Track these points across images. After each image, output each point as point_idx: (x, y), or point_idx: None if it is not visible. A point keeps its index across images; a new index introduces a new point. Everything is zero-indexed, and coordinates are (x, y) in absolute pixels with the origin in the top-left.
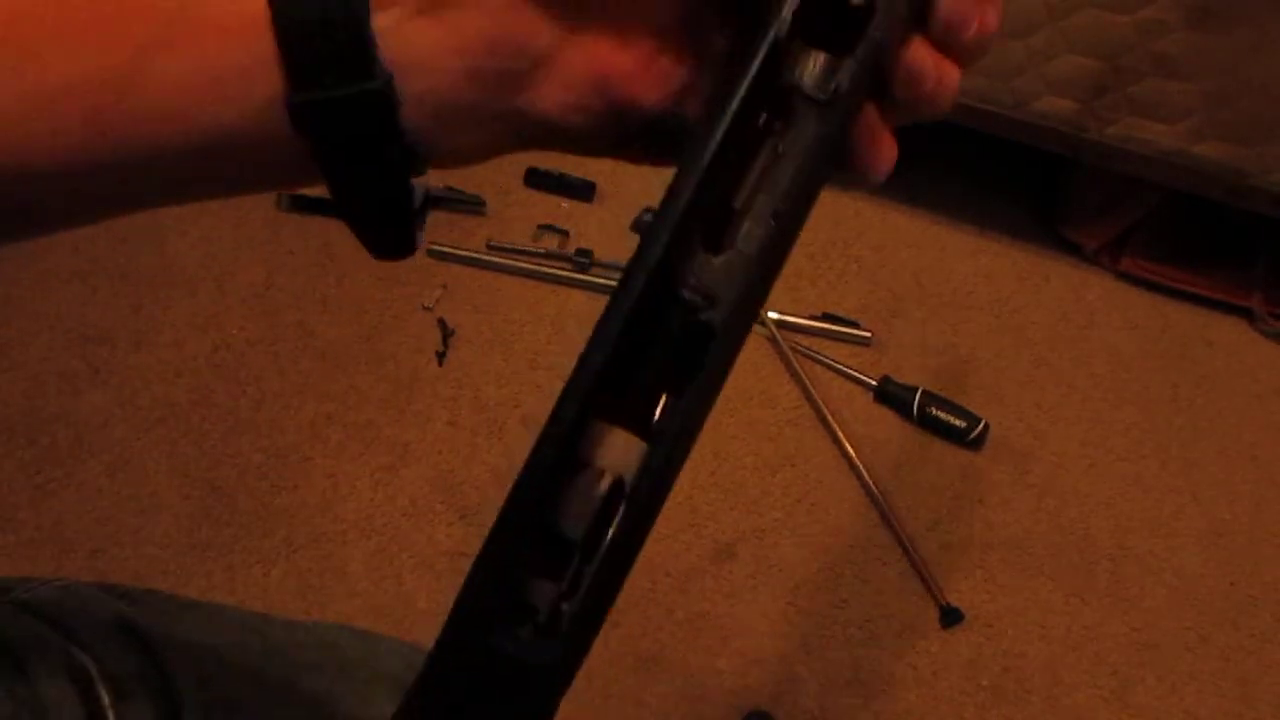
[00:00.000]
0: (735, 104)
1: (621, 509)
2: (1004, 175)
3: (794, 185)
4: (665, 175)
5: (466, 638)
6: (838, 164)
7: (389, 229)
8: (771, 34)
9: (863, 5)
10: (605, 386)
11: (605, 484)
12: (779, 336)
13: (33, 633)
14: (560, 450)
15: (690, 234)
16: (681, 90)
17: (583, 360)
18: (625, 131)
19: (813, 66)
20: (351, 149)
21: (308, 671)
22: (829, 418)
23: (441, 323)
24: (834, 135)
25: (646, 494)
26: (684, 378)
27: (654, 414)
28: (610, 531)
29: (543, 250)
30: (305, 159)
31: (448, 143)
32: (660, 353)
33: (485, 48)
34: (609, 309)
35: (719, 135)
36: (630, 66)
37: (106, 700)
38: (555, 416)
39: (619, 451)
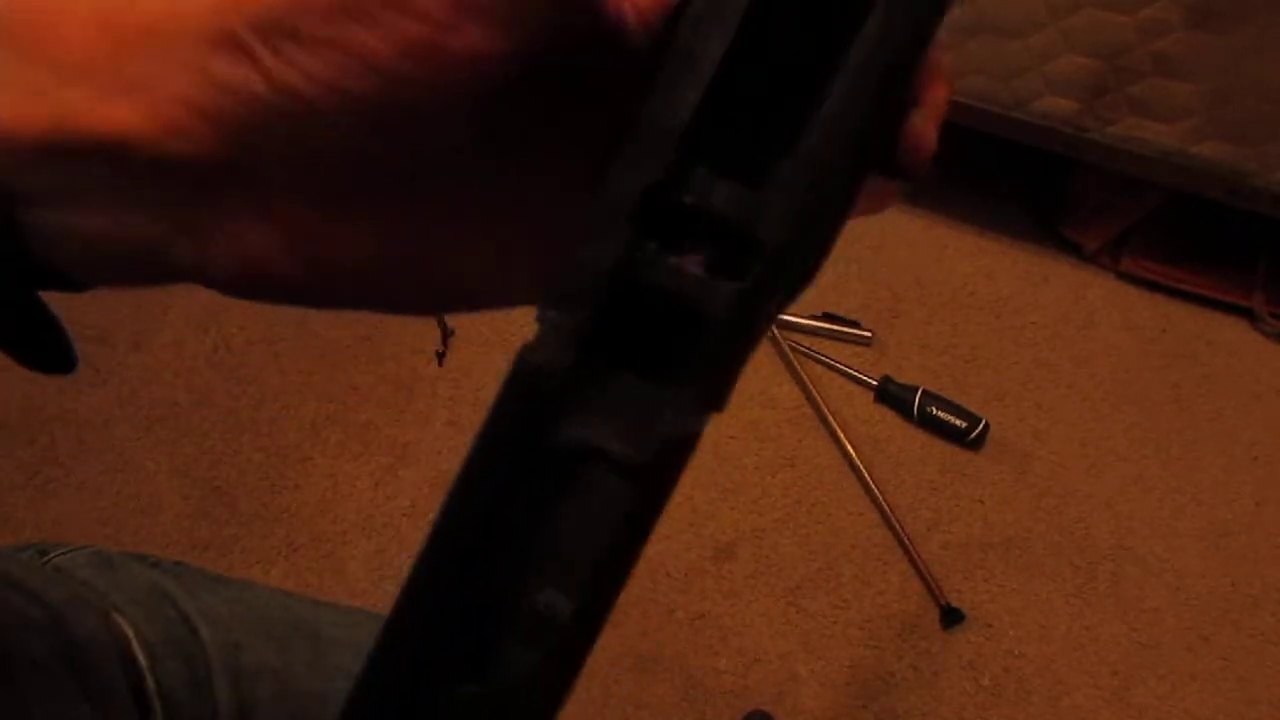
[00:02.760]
0: (477, 479)
1: None
2: (1004, 175)
3: (585, 581)
4: None
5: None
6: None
7: (35, 349)
8: (529, 375)
9: (693, 299)
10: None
11: None
12: (779, 336)
13: (73, 594)
14: None
15: (435, 655)
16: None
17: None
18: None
19: (614, 408)
20: None
21: (333, 646)
22: (829, 418)
23: (441, 323)
24: (648, 507)
25: None
26: None
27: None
28: None
29: None
30: None
31: (88, 273)
32: None
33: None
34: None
35: (459, 521)
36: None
37: (144, 663)
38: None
39: None
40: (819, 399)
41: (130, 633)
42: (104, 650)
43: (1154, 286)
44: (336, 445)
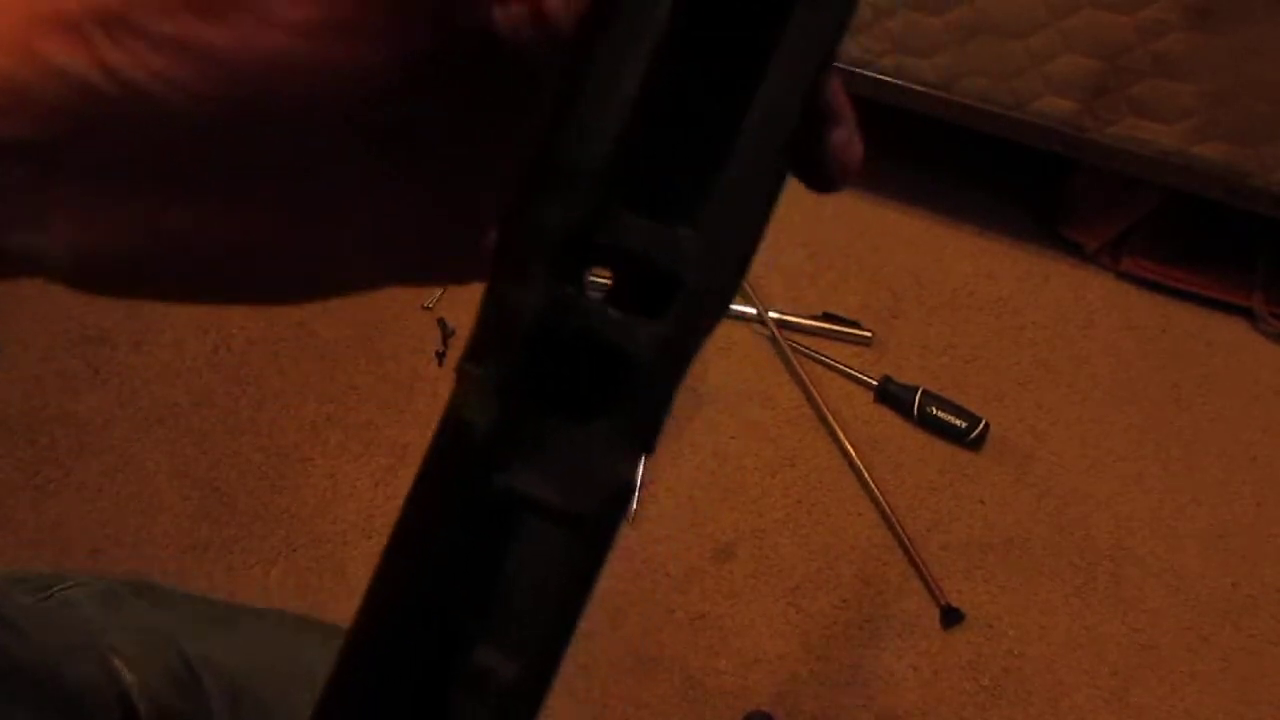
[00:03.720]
0: (412, 536)
1: None
2: (1004, 175)
3: (526, 638)
4: None
5: None
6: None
7: None
8: (456, 434)
9: (617, 343)
10: None
11: None
12: (779, 336)
13: (71, 641)
14: None
15: (380, 715)
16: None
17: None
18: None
19: (547, 456)
20: None
21: None
22: (829, 418)
23: (441, 323)
24: (587, 558)
25: None
26: None
27: None
28: None
29: None
30: None
31: None
32: None
33: None
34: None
35: (394, 580)
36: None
37: (143, 713)
38: None
39: None
40: (819, 399)
41: (130, 679)
42: (101, 698)
43: (1154, 286)
44: (336, 445)
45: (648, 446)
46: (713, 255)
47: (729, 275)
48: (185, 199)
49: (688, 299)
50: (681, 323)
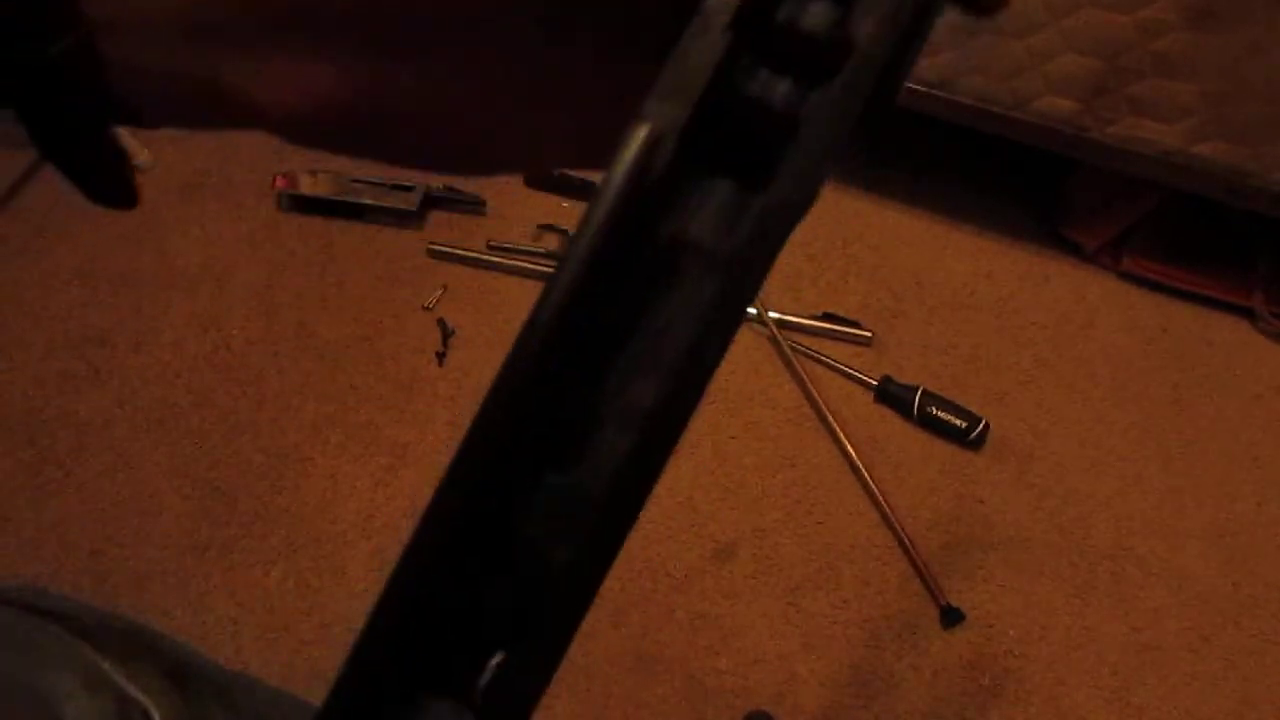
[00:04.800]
0: (579, 271)
1: None
2: (1004, 175)
3: (675, 373)
4: None
5: None
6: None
7: (100, 179)
8: (632, 169)
9: (785, 115)
10: (412, 646)
11: None
12: (779, 336)
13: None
14: None
15: (528, 447)
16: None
17: (376, 613)
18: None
19: (708, 206)
20: (38, 106)
21: None
22: (829, 418)
23: (441, 323)
24: (734, 303)
25: None
26: (522, 631)
27: (481, 675)
28: None
29: (543, 250)
30: None
31: (156, 108)
32: (490, 597)
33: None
34: (413, 541)
35: (559, 313)
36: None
37: None
38: (341, 687)
39: None
40: (819, 399)
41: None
42: None
43: (1154, 286)
44: (336, 445)
45: (805, 205)
46: (880, 29)
47: (892, 59)
48: (394, 51)
49: (855, 67)
50: (848, 87)
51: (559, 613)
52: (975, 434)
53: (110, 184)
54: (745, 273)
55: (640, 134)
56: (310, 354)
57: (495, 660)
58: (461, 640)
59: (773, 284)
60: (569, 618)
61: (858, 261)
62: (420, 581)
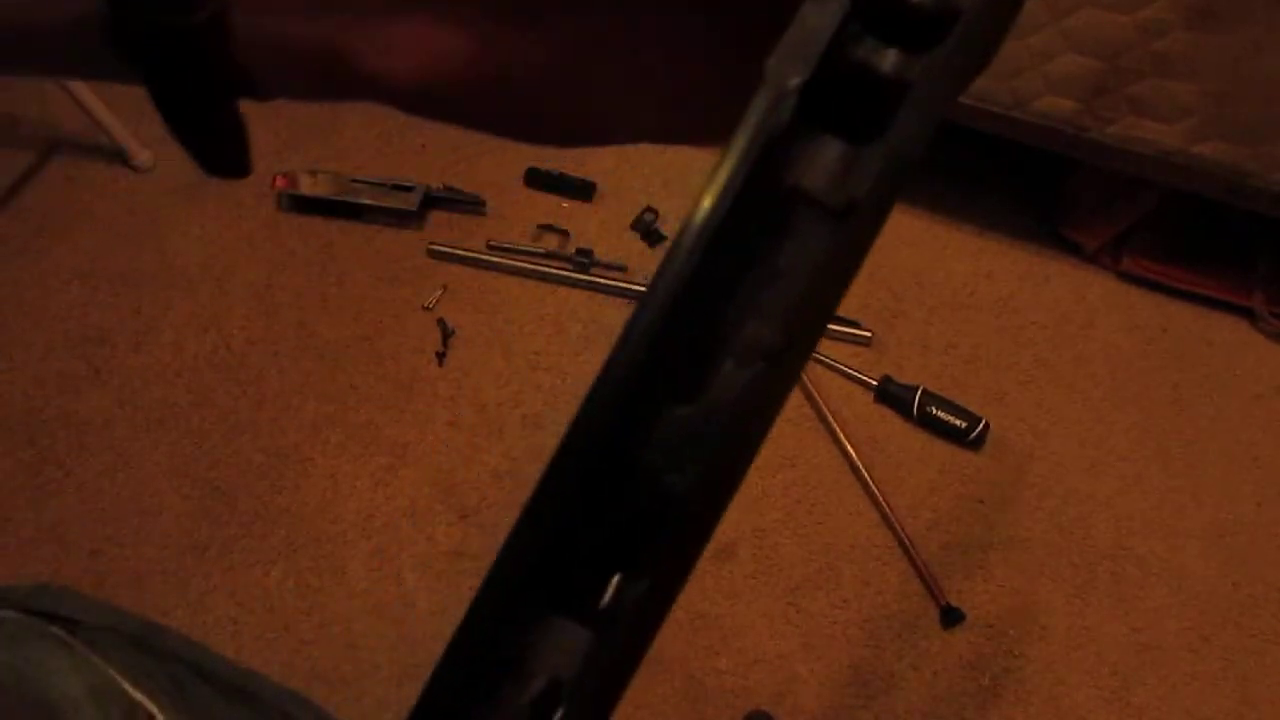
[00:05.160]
0: (711, 217)
1: (559, 714)
2: (1004, 175)
3: (792, 315)
4: (666, 175)
5: None
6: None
7: (219, 149)
8: (762, 122)
9: (894, 79)
10: (544, 565)
11: (540, 683)
12: None
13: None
14: (479, 650)
15: (654, 378)
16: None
17: (512, 539)
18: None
19: (823, 160)
20: (172, 75)
21: None
22: (829, 418)
23: (441, 323)
24: (849, 252)
25: (591, 696)
26: (643, 555)
27: (602, 597)
28: None
29: (543, 250)
30: (126, 69)
31: (275, 78)
32: (613, 523)
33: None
34: (548, 472)
35: (690, 256)
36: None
37: None
38: (479, 603)
39: (556, 645)
40: (819, 399)
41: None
42: None
43: (1154, 286)
44: (336, 445)
45: (915, 160)
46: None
47: (993, 24)
48: (515, 19)
49: (961, 31)
50: (954, 51)
51: (679, 539)
52: (975, 434)
53: (228, 155)
54: (856, 224)
55: (769, 90)
56: (310, 354)
57: (615, 582)
58: (585, 564)
59: None
60: (689, 544)
61: None
62: (553, 508)
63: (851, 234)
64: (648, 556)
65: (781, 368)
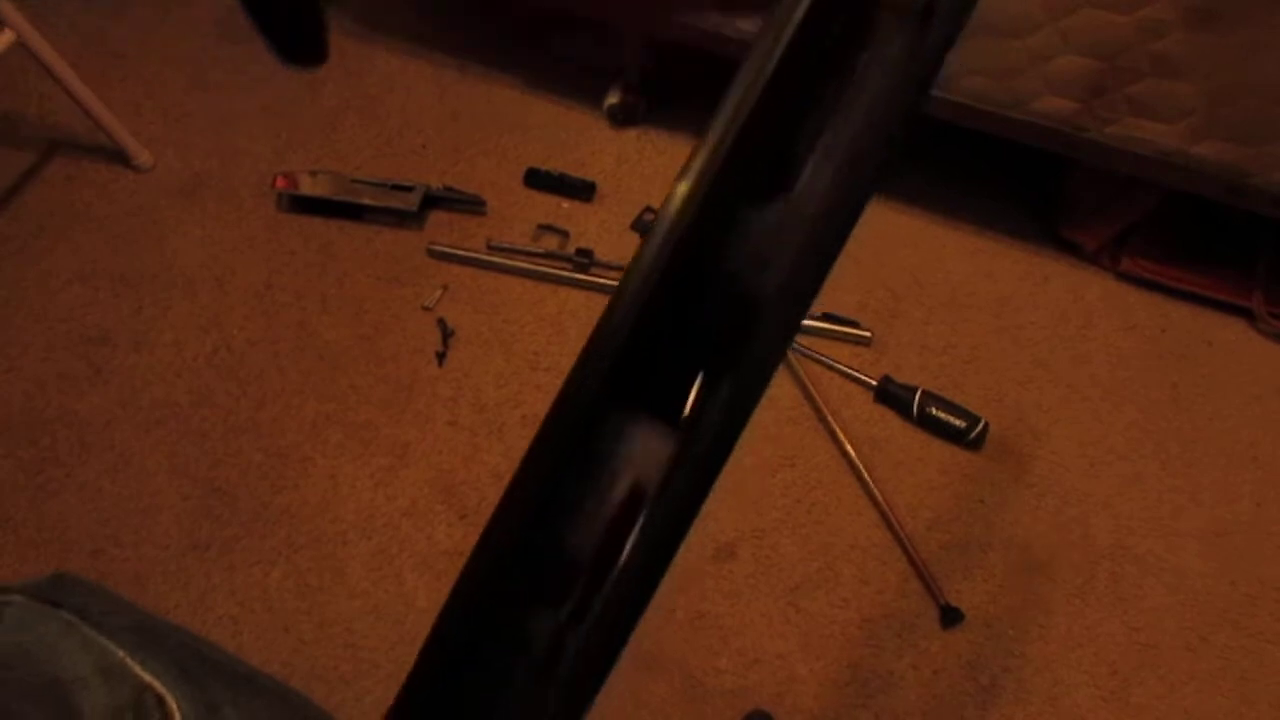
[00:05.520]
0: (796, 17)
1: (641, 520)
2: (1004, 175)
3: (873, 118)
4: (666, 175)
5: (443, 679)
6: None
7: (295, 36)
8: None
9: None
10: (626, 369)
11: (622, 489)
12: None
13: (104, 664)
14: (567, 447)
15: (736, 180)
16: None
17: (598, 336)
18: None
19: None
20: None
21: None
22: (829, 418)
23: (441, 323)
24: (926, 58)
25: (674, 502)
26: (726, 359)
27: (686, 403)
28: (626, 550)
29: (543, 250)
30: None
31: None
32: (697, 327)
33: None
34: (630, 273)
35: (774, 57)
36: None
37: None
38: (561, 405)
39: (641, 448)
40: (819, 399)
41: (174, 706)
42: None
43: (1154, 286)
44: (336, 445)
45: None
46: None
47: None
48: None
49: None
50: None
51: (760, 341)
52: (975, 434)
53: (305, 41)
54: (934, 28)
55: None
56: (310, 354)
57: (697, 388)
58: (668, 370)
59: None
60: (770, 347)
61: (857, 262)
62: (635, 315)
63: (929, 36)
64: (729, 361)
65: (862, 171)
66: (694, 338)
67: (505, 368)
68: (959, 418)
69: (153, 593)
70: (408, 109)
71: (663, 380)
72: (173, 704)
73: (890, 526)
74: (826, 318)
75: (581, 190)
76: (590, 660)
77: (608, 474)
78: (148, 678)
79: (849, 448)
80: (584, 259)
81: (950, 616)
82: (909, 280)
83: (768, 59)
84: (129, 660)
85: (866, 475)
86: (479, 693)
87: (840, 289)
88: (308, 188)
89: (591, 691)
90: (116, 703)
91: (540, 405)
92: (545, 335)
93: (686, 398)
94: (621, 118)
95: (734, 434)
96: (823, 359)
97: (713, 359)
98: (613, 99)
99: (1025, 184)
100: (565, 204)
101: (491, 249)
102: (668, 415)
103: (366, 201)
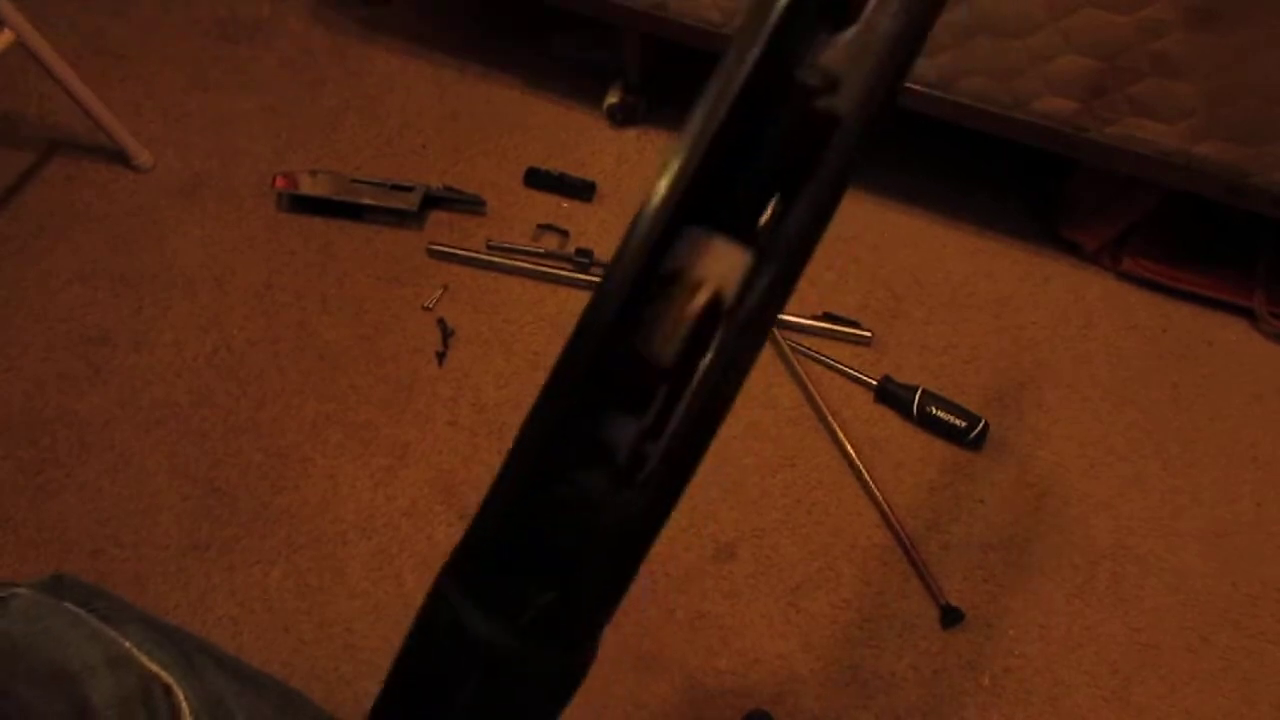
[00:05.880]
0: None
1: (720, 331)
2: (1004, 175)
3: None
4: None
5: (527, 483)
6: None
7: None
8: None
9: None
10: (703, 186)
11: (703, 298)
12: (779, 336)
13: (111, 654)
14: (648, 259)
15: (809, 7)
16: None
17: (677, 154)
18: None
19: None
20: None
21: None
22: (829, 418)
23: (441, 323)
24: None
25: (751, 311)
26: (800, 177)
27: (760, 220)
28: (707, 357)
29: (543, 250)
30: None
31: None
32: (771, 147)
33: None
34: (707, 92)
35: None
36: None
37: None
38: (642, 219)
39: (719, 262)
40: (819, 399)
41: (182, 696)
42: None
43: (1154, 286)
44: (336, 445)
45: None
46: None
47: None
48: None
49: None
50: None
51: (834, 158)
52: (975, 434)
53: None
54: None
55: None
56: (310, 354)
57: (773, 205)
58: (746, 188)
59: None
60: (843, 164)
61: (857, 261)
62: (714, 134)
63: None
64: (805, 178)
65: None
66: (770, 159)
67: (505, 368)
68: (959, 418)
69: (153, 593)
70: (408, 109)
71: (740, 200)
72: (180, 694)
73: (890, 526)
74: (827, 318)
75: (581, 190)
76: (672, 467)
77: (687, 286)
78: (155, 668)
79: (849, 448)
80: (584, 259)
81: (950, 616)
82: (909, 280)
83: None
84: (136, 651)
85: (866, 475)
86: (565, 499)
87: (840, 289)
88: (308, 188)
89: (673, 497)
90: (124, 692)
91: None
92: (545, 335)
93: (761, 217)
94: (621, 118)
95: (808, 248)
96: (823, 359)
97: (788, 178)
98: (613, 99)
99: (1025, 184)
100: (565, 204)
101: (491, 249)
102: (746, 232)
103: (366, 201)
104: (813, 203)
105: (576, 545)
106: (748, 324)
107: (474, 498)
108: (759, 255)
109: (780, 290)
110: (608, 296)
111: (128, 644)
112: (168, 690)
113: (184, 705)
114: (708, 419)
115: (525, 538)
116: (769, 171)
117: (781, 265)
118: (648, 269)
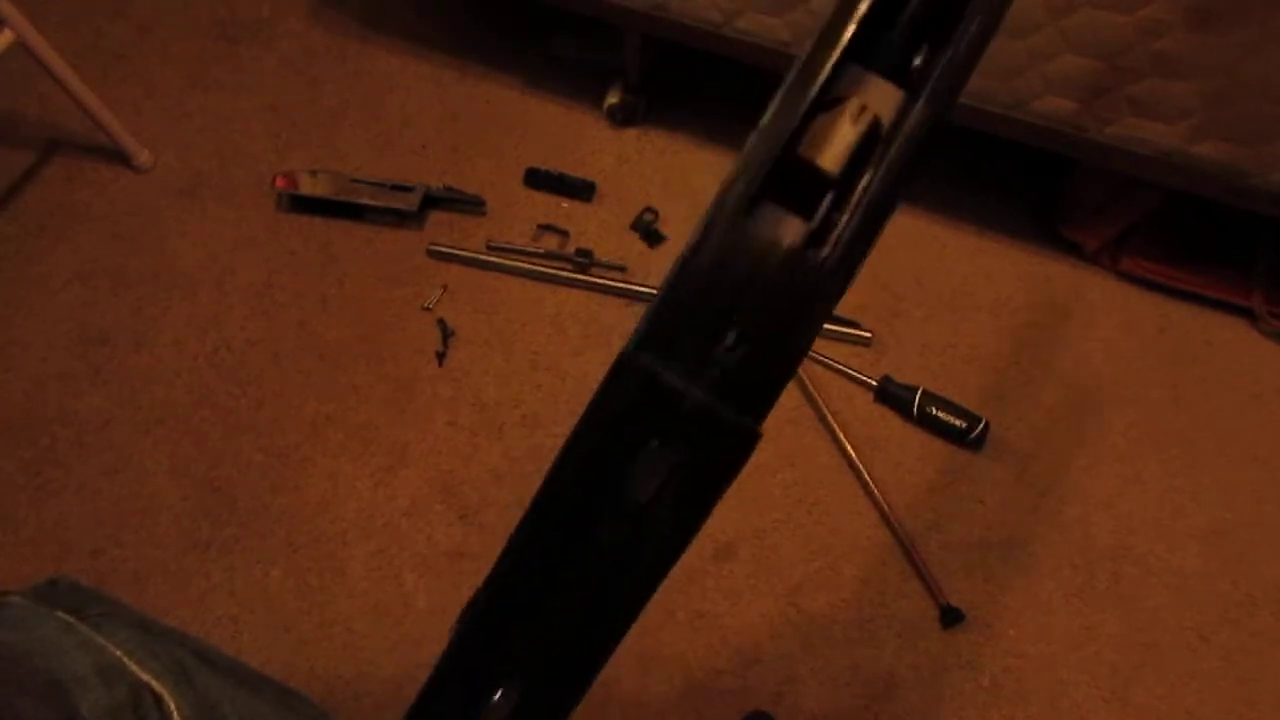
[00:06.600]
0: None
1: (878, 150)
2: (1004, 175)
3: None
4: (666, 175)
5: (715, 272)
6: None
7: None
8: None
9: None
10: (865, 35)
11: (865, 119)
12: None
13: (101, 663)
14: (814, 87)
15: None
16: None
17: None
18: None
19: None
20: None
21: None
22: (829, 418)
23: (441, 323)
24: None
25: (905, 140)
26: (948, 27)
27: (910, 66)
28: (866, 176)
29: (543, 250)
30: None
31: None
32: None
33: None
34: None
35: None
36: None
37: None
38: (816, 49)
39: (878, 93)
40: (819, 399)
41: (173, 705)
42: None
43: (1154, 286)
44: (336, 445)
45: None
46: None
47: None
48: None
49: None
50: None
51: (979, 5)
52: (975, 434)
53: None
54: None
55: None
56: (310, 354)
57: (924, 51)
58: (900, 33)
59: None
60: (990, 12)
61: None
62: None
63: None
64: (951, 29)
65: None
66: (921, 8)
67: (505, 368)
68: (959, 418)
69: (153, 593)
70: (408, 109)
71: (896, 43)
72: (171, 703)
73: (890, 526)
74: None
75: (581, 190)
76: (841, 263)
77: (849, 111)
78: (145, 676)
79: (849, 448)
80: (584, 259)
81: (950, 616)
82: (909, 280)
83: None
84: (127, 660)
85: (866, 475)
86: (761, 260)
87: None
88: (308, 187)
89: (847, 276)
90: (115, 702)
91: (540, 405)
92: (545, 335)
93: (911, 62)
94: (621, 118)
95: (957, 88)
96: (823, 359)
97: (937, 28)
98: (613, 99)
99: (1025, 184)
100: (565, 204)
101: (491, 249)
102: (899, 73)
103: (366, 201)
104: (959, 51)
105: (762, 303)
106: (902, 149)
107: (474, 498)
108: (911, 93)
109: (930, 122)
110: (780, 116)
111: (119, 653)
112: (158, 699)
113: (174, 714)
114: (869, 227)
115: (719, 297)
116: (920, 21)
117: (930, 104)
118: (818, 96)
